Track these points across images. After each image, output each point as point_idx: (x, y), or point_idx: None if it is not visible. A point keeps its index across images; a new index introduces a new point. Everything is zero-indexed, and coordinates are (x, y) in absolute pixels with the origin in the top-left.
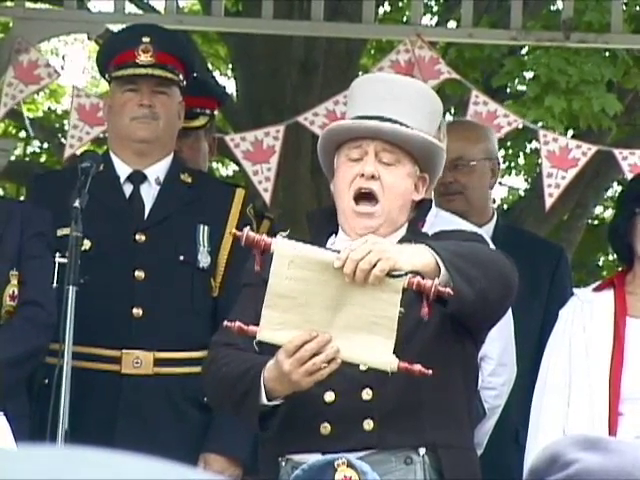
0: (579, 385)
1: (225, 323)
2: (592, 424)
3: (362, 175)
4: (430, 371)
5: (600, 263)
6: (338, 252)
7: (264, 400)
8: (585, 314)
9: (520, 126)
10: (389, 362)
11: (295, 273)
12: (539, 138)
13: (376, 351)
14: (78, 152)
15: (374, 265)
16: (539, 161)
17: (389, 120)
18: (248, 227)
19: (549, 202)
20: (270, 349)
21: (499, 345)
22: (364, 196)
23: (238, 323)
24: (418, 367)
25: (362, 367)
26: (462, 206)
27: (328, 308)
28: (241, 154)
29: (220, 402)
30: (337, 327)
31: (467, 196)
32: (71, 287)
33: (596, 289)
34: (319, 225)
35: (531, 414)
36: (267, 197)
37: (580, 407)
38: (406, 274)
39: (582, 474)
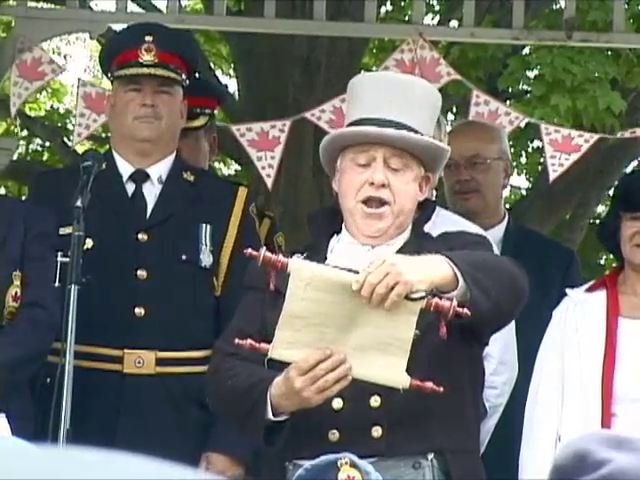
0: (572, 386)
1: (236, 341)
2: (585, 425)
3: (372, 183)
4: (441, 388)
5: (602, 262)
6: (356, 272)
7: (270, 416)
8: (577, 315)
9: (522, 124)
10: (401, 380)
11: (311, 294)
12: (541, 130)
13: (389, 369)
14: (77, 146)
15: (392, 288)
16: (541, 160)
17: (398, 125)
18: (264, 248)
19: (553, 175)
20: (279, 365)
21: (500, 344)
22: (373, 200)
23: (249, 341)
24: (430, 385)
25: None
26: (477, 204)
27: (342, 328)
28: (246, 142)
29: (224, 414)
30: (350, 346)
31: (483, 194)
32: (73, 286)
33: (589, 289)
34: (320, 226)
35: (525, 414)
36: (269, 182)
37: (573, 408)
38: (424, 295)
39: (617, 474)
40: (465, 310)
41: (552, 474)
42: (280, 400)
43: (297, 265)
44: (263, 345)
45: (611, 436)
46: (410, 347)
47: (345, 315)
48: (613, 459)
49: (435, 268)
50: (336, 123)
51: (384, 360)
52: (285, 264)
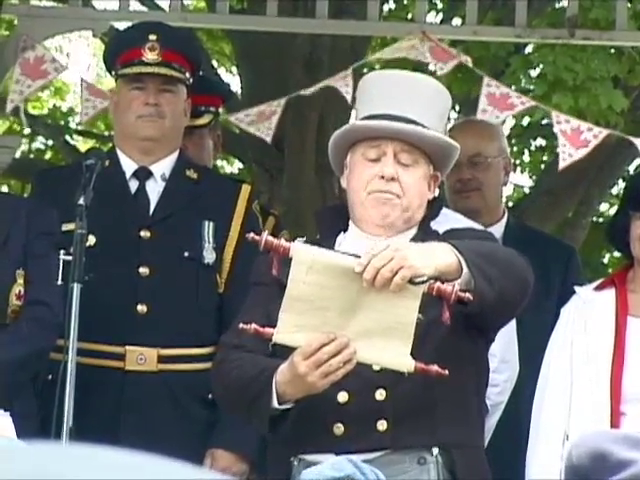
0: (580, 385)
1: (240, 325)
2: (594, 424)
3: (382, 177)
4: (447, 372)
5: (605, 261)
6: (357, 257)
7: (275, 404)
8: (586, 313)
9: (532, 104)
10: (406, 363)
11: (313, 278)
12: (552, 117)
13: (393, 352)
14: (80, 144)
15: (396, 272)
16: (544, 157)
17: (407, 120)
18: (267, 232)
19: (562, 164)
20: (283, 351)
21: (502, 342)
22: (383, 193)
23: (254, 325)
24: (435, 368)
25: (376, 367)
26: (478, 203)
27: (345, 312)
28: (246, 125)
29: (230, 405)
30: (354, 330)
31: (483, 193)
32: (75, 284)
33: (597, 288)
34: (328, 223)
35: (532, 413)
36: (269, 138)
37: (582, 407)
38: (427, 279)
39: None
40: (467, 295)
41: (569, 474)
42: (286, 387)
43: (299, 249)
44: (267, 329)
45: (627, 436)
46: (413, 331)
47: (347, 299)
48: (638, 459)
49: (439, 255)
50: None
51: (388, 343)
52: (287, 248)
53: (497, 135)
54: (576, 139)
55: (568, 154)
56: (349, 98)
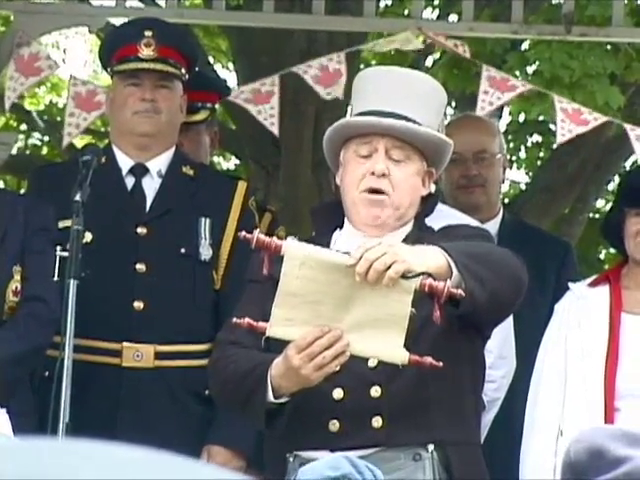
0: (574, 381)
1: (234, 320)
2: (588, 420)
3: (372, 173)
4: (441, 363)
5: (602, 257)
6: (348, 254)
7: (271, 398)
8: (580, 309)
9: (533, 87)
10: (400, 355)
11: (306, 273)
12: (554, 102)
13: (387, 345)
14: (76, 140)
15: (388, 267)
16: (540, 154)
17: (400, 117)
18: (258, 230)
19: (560, 139)
20: (277, 346)
21: (499, 338)
22: (374, 192)
23: (247, 319)
24: (429, 360)
25: (371, 364)
26: (481, 199)
27: (338, 306)
28: (242, 101)
29: (226, 400)
30: (347, 323)
31: (487, 189)
32: (72, 280)
33: (591, 284)
34: (323, 220)
35: (526, 408)
36: (275, 130)
37: (576, 403)
38: (418, 275)
39: (638, 473)
40: (459, 291)
41: (566, 471)
42: (280, 381)
43: (291, 246)
44: (261, 324)
45: (625, 432)
46: (407, 323)
47: (340, 294)
48: (633, 457)
49: (430, 257)
50: (321, 79)
51: (382, 336)
52: (279, 246)
53: (497, 131)
54: (576, 117)
55: (567, 130)
56: (342, 72)
